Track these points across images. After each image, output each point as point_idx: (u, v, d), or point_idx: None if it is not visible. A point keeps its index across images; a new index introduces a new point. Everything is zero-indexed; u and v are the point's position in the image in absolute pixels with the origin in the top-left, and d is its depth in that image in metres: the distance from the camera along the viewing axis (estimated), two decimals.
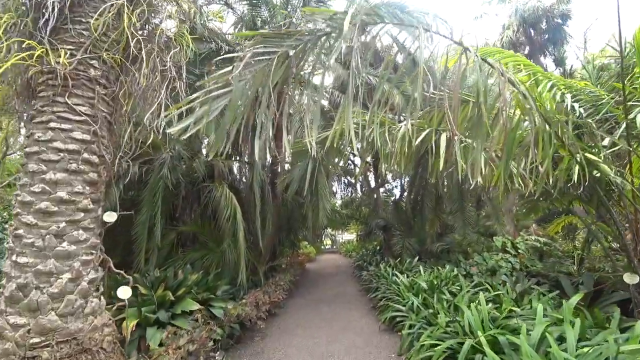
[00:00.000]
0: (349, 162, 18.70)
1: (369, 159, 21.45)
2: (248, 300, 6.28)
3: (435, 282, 6.62)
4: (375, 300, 7.89)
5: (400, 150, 4.70)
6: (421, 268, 8.35)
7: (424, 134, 4.73)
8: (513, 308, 4.67)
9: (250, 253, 8.50)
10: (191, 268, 6.87)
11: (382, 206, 14.63)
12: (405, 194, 13.29)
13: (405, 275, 8.30)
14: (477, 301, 4.94)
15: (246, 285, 8.06)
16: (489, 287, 6.37)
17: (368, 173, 23.93)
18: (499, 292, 5.92)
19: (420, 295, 6.40)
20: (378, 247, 14.49)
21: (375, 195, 16.18)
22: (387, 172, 20.34)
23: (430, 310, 5.38)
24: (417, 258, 9.93)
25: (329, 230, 38.18)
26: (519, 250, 10.48)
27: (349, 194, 21.63)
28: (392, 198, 16.74)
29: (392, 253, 12.90)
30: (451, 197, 10.83)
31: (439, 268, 9.93)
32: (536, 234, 11.26)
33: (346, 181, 22.27)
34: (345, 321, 6.99)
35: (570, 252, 9.88)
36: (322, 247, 40.05)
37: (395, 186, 19.67)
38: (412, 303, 6.02)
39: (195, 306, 5.24)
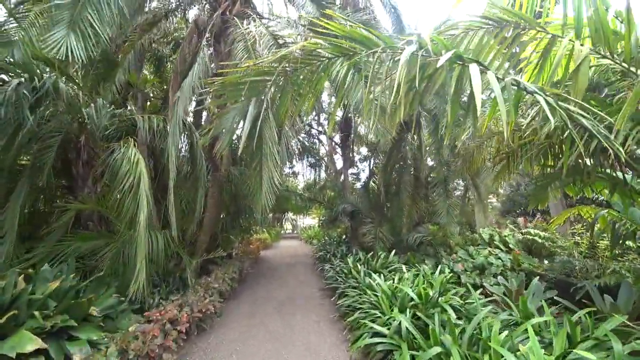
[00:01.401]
0: (313, 138, 16.58)
1: (337, 138, 19.39)
2: (153, 316, 4.02)
3: (430, 293, 4.72)
4: (342, 308, 5.92)
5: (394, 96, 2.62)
6: (403, 267, 6.46)
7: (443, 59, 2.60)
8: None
9: (174, 242, 6.16)
10: (67, 267, 4.44)
11: (350, 189, 12.70)
12: (377, 176, 11.40)
13: (381, 275, 6.40)
14: (512, 336, 3.07)
15: (164, 290, 5.78)
16: (509, 302, 4.57)
17: (334, 154, 22.01)
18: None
19: (408, 311, 4.49)
20: (343, 236, 12.60)
21: (342, 177, 14.21)
22: (357, 151, 18.47)
23: (433, 344, 3.45)
24: (393, 252, 8.06)
25: (290, 214, 36.30)
26: (510, 245, 9.00)
27: (313, 176, 19.60)
28: (362, 181, 14.88)
29: (361, 244, 11.07)
30: (435, 178, 9.07)
31: (420, 266, 8.19)
32: (525, 227, 9.89)
33: (310, 162, 20.28)
34: (302, 345, 4.96)
35: (570, 248, 8.53)
36: (283, 231, 38.22)
37: (363, 170, 17.89)
38: (399, 324, 4.09)
39: (33, 344, 2.92)
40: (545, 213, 16.98)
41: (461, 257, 8.78)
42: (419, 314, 4.26)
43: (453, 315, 4.02)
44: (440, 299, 4.62)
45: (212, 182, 7.31)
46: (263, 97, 3.53)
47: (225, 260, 8.77)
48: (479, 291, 5.14)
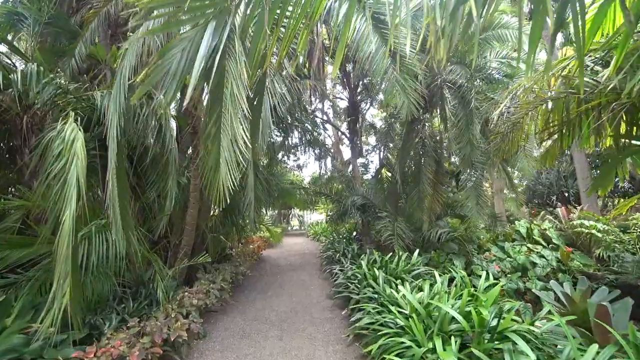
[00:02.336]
0: (318, 127, 15.21)
1: (343, 127, 17.98)
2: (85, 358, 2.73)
3: (483, 314, 3.34)
4: (357, 329, 4.57)
5: None
6: (436, 274, 5.07)
7: None
8: None
9: (143, 245, 4.89)
10: None
11: (360, 180, 11.31)
12: (390, 164, 9.97)
13: (405, 282, 5.05)
14: None
15: (132, 308, 4.51)
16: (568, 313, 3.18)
17: (340, 145, 20.57)
18: None
19: (454, 342, 3.14)
20: (354, 233, 11.23)
21: (350, 167, 12.82)
22: (365, 141, 17.06)
23: None
24: (417, 252, 6.68)
25: (297, 210, 34.99)
26: (554, 241, 7.55)
27: (319, 169, 18.25)
28: (372, 172, 13.47)
29: (374, 241, 9.72)
30: (461, 162, 7.63)
31: (448, 267, 6.82)
32: (567, 218, 8.41)
33: (315, 153, 18.96)
34: None
35: (626, 243, 7.06)
36: (290, 228, 37.03)
37: (371, 161, 16.46)
38: None
39: None
40: (568, 203, 15.39)
41: (495, 256, 7.38)
42: (474, 350, 2.90)
43: (531, 356, 2.64)
44: (498, 321, 3.25)
45: (193, 172, 6.00)
46: (227, 20, 2.18)
47: (218, 265, 7.48)
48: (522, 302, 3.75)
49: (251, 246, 11.31)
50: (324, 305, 6.46)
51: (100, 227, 4.76)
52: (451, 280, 5.52)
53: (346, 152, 19.86)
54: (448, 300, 4.02)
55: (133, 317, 4.40)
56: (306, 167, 24.64)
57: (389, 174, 9.66)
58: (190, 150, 6.86)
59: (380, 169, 9.99)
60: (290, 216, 38.13)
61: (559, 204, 16.08)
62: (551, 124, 5.58)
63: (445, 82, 7.75)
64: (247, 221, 5.40)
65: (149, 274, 5.75)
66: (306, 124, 8.32)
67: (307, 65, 11.42)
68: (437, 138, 8.98)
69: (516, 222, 8.26)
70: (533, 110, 5.57)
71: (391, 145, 9.81)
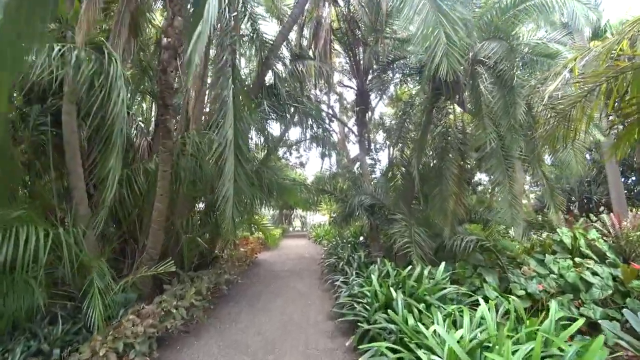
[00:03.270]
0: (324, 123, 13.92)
1: (350, 123, 16.68)
2: None
3: None
4: None
5: None
6: (482, 302, 3.72)
7: None
8: None
9: (78, 246, 3.64)
10: None
11: (369, 178, 9.99)
12: (405, 158, 8.62)
13: (436, 312, 3.72)
14: None
15: (55, 339, 3.25)
16: None
17: (346, 142, 19.24)
18: None
19: None
20: (361, 237, 9.88)
21: (357, 164, 11.49)
22: (372, 139, 15.74)
23: None
24: (442, 266, 5.33)
25: (299, 211, 33.68)
26: (607, 254, 6.18)
27: (322, 166, 16.99)
28: (382, 170, 12.11)
29: (385, 248, 8.42)
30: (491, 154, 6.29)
31: (481, 284, 5.51)
32: (619, 226, 7.00)
33: (320, 149, 17.67)
34: None
35: None
36: (292, 229, 35.74)
37: (379, 160, 15.07)
38: None
39: None
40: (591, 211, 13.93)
41: (536, 272, 6.02)
42: None
43: None
44: None
45: (161, 155, 4.73)
46: None
47: (196, 273, 6.20)
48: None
49: (242, 249, 10.02)
50: (323, 329, 5.13)
51: (25, 218, 3.51)
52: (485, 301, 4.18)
53: (352, 150, 18.57)
54: (506, 345, 2.68)
55: (56, 346, 3.15)
56: (308, 164, 23.34)
57: (403, 170, 8.32)
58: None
59: (392, 166, 8.66)
60: (293, 217, 36.89)
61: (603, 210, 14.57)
62: (628, 102, 4.26)
63: (476, 60, 6.45)
64: (224, 221, 4.13)
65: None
66: (309, 109, 6.99)
67: (312, 46, 10.16)
68: (460, 127, 7.67)
69: (558, 230, 6.88)
70: (602, 84, 4.24)
71: (407, 136, 8.48)
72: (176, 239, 5.69)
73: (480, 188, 17.15)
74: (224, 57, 4.43)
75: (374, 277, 5.13)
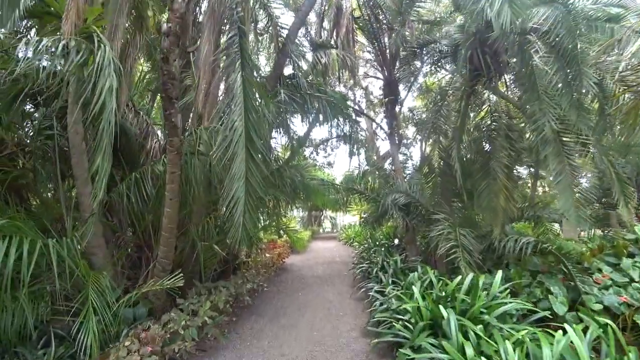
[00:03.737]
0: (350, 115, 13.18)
1: (378, 119, 15.81)
2: None
3: None
4: None
5: None
6: (569, 329, 2.87)
7: None
8: None
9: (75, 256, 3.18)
10: None
11: (402, 175, 9.13)
12: (451, 143, 7.67)
13: (503, 341, 2.91)
14: None
15: None
16: None
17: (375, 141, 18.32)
18: None
19: None
20: (396, 240, 9.03)
21: (389, 161, 10.64)
22: (403, 130, 14.81)
23: None
24: (499, 275, 4.44)
25: (329, 212, 32.99)
26: None
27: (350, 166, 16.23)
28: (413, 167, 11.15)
29: (423, 251, 7.60)
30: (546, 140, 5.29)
31: (541, 294, 4.60)
32: None
33: (348, 148, 16.90)
34: None
35: None
36: (322, 230, 35.19)
37: (410, 156, 14.02)
38: None
39: None
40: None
41: (612, 280, 4.98)
42: None
43: None
44: None
45: (169, 155, 4.23)
46: None
47: (217, 283, 5.69)
48: None
49: (268, 255, 9.48)
50: (357, 350, 4.41)
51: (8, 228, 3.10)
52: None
53: (382, 148, 17.63)
54: None
55: None
56: (335, 164, 22.63)
57: (441, 164, 7.41)
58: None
59: (427, 160, 7.73)
60: (322, 218, 36.30)
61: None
62: None
63: (526, 31, 5.48)
64: (233, 227, 3.53)
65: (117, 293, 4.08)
66: (332, 100, 6.24)
67: (333, 35, 9.47)
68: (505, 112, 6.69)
69: (636, 228, 5.75)
70: None
71: (443, 126, 7.54)
72: (192, 246, 5.20)
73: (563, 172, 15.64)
74: (231, 37, 3.85)
75: (415, 290, 4.35)
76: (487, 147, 6.71)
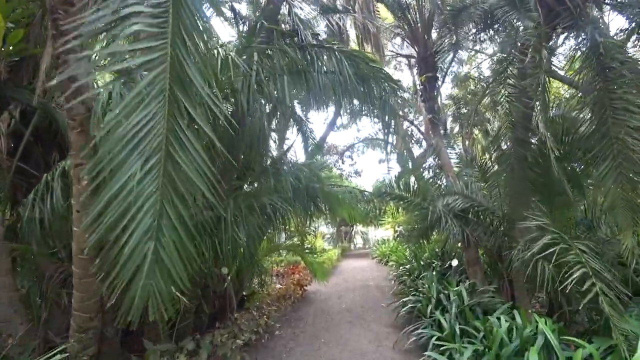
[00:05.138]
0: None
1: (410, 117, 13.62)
2: None
3: None
4: None
5: None
6: None
7: None
8: None
9: None
10: None
11: (452, 172, 6.90)
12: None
13: None
14: None
15: None
16: None
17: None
18: None
19: None
20: (454, 261, 6.57)
21: (436, 158, 8.38)
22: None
23: None
24: None
25: (360, 227, 30.56)
26: None
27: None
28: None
29: (499, 275, 5.36)
30: None
31: None
32: None
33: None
34: None
35: None
36: (353, 247, 32.86)
37: (455, 151, 11.65)
38: None
39: None
40: None
41: None
42: None
43: None
44: None
45: (71, 134, 2.40)
46: None
47: (192, 338, 3.73)
48: None
49: (279, 285, 7.42)
50: None
51: None
52: None
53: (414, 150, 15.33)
54: None
55: None
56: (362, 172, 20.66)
57: (516, 150, 5.14)
58: None
59: (496, 141, 5.36)
60: (353, 233, 33.85)
61: None
62: None
63: None
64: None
65: None
66: (349, 53, 4.07)
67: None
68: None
69: None
70: None
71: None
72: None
73: None
74: None
75: None
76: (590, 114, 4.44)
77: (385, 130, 3.85)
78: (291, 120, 5.14)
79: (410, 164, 9.37)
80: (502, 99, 5.13)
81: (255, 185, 4.76)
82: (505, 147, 5.12)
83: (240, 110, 3.69)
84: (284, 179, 3.99)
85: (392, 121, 3.96)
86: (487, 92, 5.96)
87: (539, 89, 4.44)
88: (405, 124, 14.05)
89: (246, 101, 3.66)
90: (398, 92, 4.14)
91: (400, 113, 12.76)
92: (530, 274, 3.79)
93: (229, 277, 4.46)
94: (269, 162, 4.60)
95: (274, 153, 5.27)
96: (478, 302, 4.63)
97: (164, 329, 3.55)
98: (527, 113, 4.85)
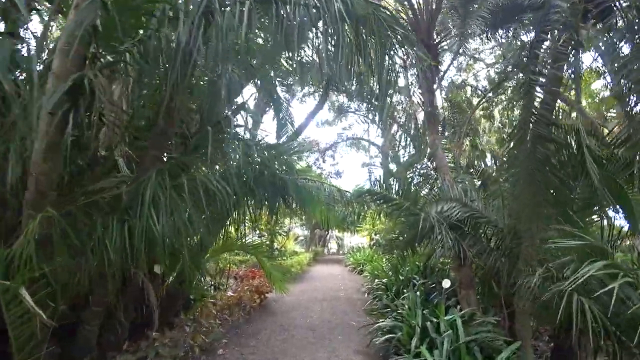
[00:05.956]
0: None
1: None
2: None
3: None
4: None
5: None
6: None
7: None
8: None
9: None
10: None
11: (450, 176, 5.89)
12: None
13: None
14: None
15: None
16: None
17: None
18: None
19: None
20: (446, 281, 5.45)
21: (432, 158, 7.37)
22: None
23: None
24: None
25: (335, 231, 29.46)
26: None
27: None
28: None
29: (491, 295, 4.41)
30: None
31: None
32: None
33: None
34: None
35: None
36: (326, 251, 31.97)
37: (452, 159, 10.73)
38: None
39: None
40: None
41: None
42: None
43: None
44: None
45: None
46: None
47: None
48: None
49: (231, 293, 6.19)
50: None
51: None
52: None
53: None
54: None
55: None
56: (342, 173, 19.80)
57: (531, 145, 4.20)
58: None
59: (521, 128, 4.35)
60: (328, 238, 32.78)
61: None
62: None
63: None
64: None
65: None
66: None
67: None
68: None
69: None
70: None
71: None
72: None
73: None
74: None
75: None
76: None
77: (382, 93, 2.78)
78: (257, 80, 3.96)
79: (401, 160, 8.37)
80: (521, 89, 4.17)
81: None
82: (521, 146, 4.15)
83: (182, 48, 2.54)
84: (232, 150, 2.86)
85: (392, 81, 2.90)
86: (489, 93, 5.00)
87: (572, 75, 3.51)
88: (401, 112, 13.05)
89: (189, 33, 2.52)
90: (406, 47, 3.07)
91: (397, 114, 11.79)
92: (543, 306, 2.83)
93: (145, 276, 3.24)
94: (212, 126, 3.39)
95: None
96: (475, 338, 3.62)
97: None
98: (551, 105, 3.93)
